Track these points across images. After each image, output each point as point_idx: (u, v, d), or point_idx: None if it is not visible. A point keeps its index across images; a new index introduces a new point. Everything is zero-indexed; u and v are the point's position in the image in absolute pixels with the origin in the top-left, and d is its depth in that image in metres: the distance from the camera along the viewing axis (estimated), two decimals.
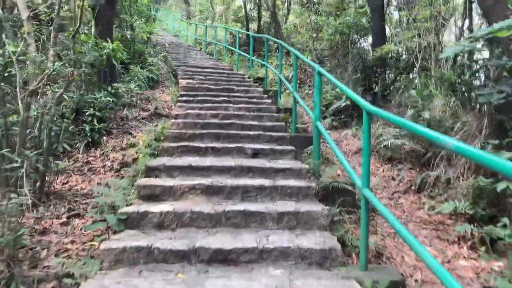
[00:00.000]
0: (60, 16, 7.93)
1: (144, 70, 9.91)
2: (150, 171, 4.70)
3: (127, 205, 3.95)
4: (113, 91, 6.79)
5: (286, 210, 3.77)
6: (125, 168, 5.68)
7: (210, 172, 4.68)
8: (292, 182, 4.43)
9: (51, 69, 4.32)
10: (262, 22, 17.21)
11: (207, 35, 17.30)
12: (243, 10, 17.95)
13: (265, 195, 4.23)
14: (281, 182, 4.43)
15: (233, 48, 13.63)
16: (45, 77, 4.36)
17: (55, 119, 6.31)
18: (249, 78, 10.85)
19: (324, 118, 8.98)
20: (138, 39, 10.62)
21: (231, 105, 7.83)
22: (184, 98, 8.26)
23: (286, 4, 18.37)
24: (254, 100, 8.39)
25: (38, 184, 4.63)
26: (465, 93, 6.09)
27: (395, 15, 15.64)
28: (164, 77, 11.91)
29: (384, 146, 6.43)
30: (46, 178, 4.79)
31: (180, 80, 9.76)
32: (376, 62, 9.75)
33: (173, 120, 6.79)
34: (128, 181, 4.62)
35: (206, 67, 12.14)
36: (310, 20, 14.21)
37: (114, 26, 10.55)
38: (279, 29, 14.84)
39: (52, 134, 5.84)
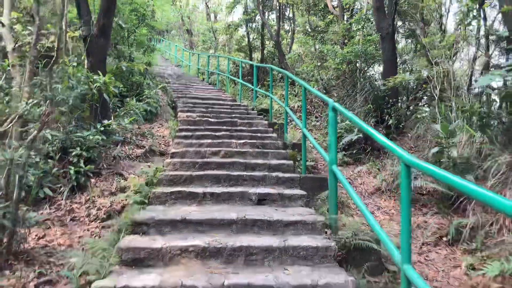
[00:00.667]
0: (47, 47, 7.42)
1: (142, 102, 9.33)
2: (137, 226, 3.98)
3: (105, 274, 3.22)
4: (102, 128, 6.16)
5: (301, 283, 3.02)
6: (111, 218, 4.98)
7: (207, 227, 3.95)
8: (306, 241, 3.69)
9: (23, 109, 3.69)
10: (265, 52, 16.83)
11: (209, 65, 16.90)
12: (246, 39, 17.63)
13: (273, 259, 3.48)
14: (292, 240, 3.69)
15: (236, 79, 13.13)
16: (16, 118, 3.72)
17: (38, 160, 5.69)
18: (253, 109, 10.25)
19: None
20: (136, 70, 10.11)
21: (233, 140, 7.17)
22: (183, 134, 7.62)
23: (290, 33, 18.03)
24: (259, 134, 7.74)
25: (4, 243, 3.92)
26: (498, 128, 5.40)
27: (402, 43, 15.23)
28: (163, 110, 11.34)
29: None
30: (16, 234, 4.09)
31: (179, 113, 9.16)
32: (387, 92, 9.13)
33: (168, 160, 6.11)
34: (110, 238, 3.90)
35: (207, 98, 11.59)
36: (315, 49, 13.76)
37: (112, 57, 10.11)
38: (283, 58, 14.38)
39: (33, 178, 5.21)
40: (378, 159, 8.32)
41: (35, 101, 4.07)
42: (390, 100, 9.25)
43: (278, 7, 15.24)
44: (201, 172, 5.54)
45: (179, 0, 24.76)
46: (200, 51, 22.95)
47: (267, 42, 17.24)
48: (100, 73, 6.54)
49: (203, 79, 17.26)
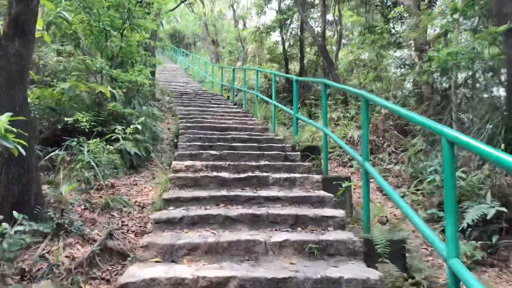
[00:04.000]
0: None
1: (119, 143, 5.89)
2: None
3: None
4: None
5: None
6: None
7: None
8: None
9: None
10: (305, 61, 13.19)
11: (234, 81, 13.42)
12: (280, 46, 14.06)
13: None
14: None
15: (267, 98, 9.52)
16: None
17: None
18: (293, 148, 6.57)
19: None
20: (119, 94, 6.67)
21: (261, 235, 3.52)
22: (164, 216, 4.04)
23: (335, 36, 14.26)
24: (310, 213, 4.04)
25: None
26: None
27: None
28: (164, 147, 7.95)
29: None
30: None
31: (174, 162, 5.60)
32: None
33: None
34: None
35: (227, 128, 8.05)
36: (377, 55, 9.97)
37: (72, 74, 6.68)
38: (331, 68, 10.67)
39: None
40: None
41: None
42: None
43: (322, 1, 11.54)
44: None
45: (201, 5, 21.51)
46: (227, 64, 19.63)
47: (307, 50, 13.59)
48: None
49: (228, 97, 13.80)
